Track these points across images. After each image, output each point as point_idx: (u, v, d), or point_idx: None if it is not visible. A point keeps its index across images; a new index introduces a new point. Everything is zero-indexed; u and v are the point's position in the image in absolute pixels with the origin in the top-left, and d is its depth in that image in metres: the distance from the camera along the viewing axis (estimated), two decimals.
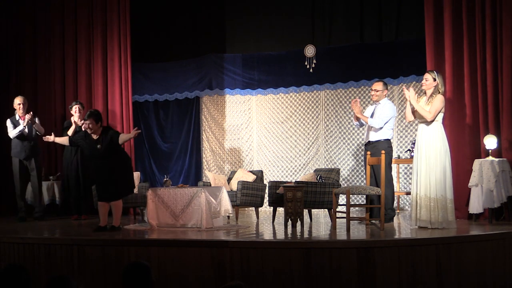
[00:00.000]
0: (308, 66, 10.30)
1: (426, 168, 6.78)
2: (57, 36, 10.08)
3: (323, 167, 10.02)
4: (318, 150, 10.42)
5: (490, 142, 7.53)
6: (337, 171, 8.37)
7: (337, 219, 7.34)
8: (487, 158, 7.47)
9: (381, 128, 7.56)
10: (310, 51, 10.32)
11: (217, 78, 10.95)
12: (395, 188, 8.15)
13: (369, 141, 7.71)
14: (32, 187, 8.93)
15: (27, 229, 7.75)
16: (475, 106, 7.85)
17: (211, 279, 5.89)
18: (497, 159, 7.42)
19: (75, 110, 9.12)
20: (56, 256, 6.38)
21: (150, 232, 7.18)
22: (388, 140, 7.64)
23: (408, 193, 9.20)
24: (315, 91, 10.49)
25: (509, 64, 7.59)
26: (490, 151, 7.53)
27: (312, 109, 10.51)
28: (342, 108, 10.21)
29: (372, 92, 7.83)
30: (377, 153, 7.40)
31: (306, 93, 10.56)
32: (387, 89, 7.90)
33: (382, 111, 7.63)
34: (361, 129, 9.87)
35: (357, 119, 7.84)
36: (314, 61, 10.28)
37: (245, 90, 10.87)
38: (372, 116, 7.73)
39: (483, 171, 7.37)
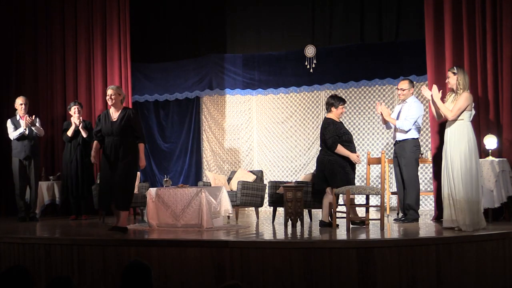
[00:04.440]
0: (308, 66, 10.30)
1: (450, 169, 6.63)
2: (57, 36, 10.09)
3: None
4: (318, 150, 10.41)
5: (490, 142, 7.53)
6: None
7: (337, 219, 7.34)
8: (487, 158, 7.46)
9: (410, 129, 7.57)
10: (310, 51, 10.32)
11: (218, 78, 10.95)
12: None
13: (396, 141, 7.72)
14: (29, 187, 8.92)
15: (27, 229, 7.75)
16: (475, 106, 7.83)
17: (211, 279, 5.89)
18: (497, 159, 7.41)
19: (74, 110, 9.13)
20: (56, 256, 6.38)
21: (150, 232, 7.17)
22: (415, 139, 7.64)
23: None
24: (315, 91, 10.49)
25: (509, 64, 7.58)
26: (490, 151, 7.52)
27: (313, 109, 10.51)
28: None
29: (399, 92, 7.82)
30: (403, 152, 7.50)
31: (306, 93, 10.57)
32: (413, 87, 7.87)
33: (409, 111, 7.61)
34: (362, 129, 9.90)
35: (385, 121, 7.84)
36: (314, 61, 10.28)
37: (246, 90, 10.88)
38: (398, 116, 7.72)
39: (483, 171, 7.36)
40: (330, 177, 7.34)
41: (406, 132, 7.58)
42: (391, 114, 7.90)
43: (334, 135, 7.32)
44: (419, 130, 7.76)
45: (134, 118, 7.19)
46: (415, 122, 7.59)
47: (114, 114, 7.18)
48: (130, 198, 7.19)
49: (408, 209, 7.55)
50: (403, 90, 7.72)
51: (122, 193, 6.97)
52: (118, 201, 7.00)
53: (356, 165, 7.55)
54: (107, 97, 7.23)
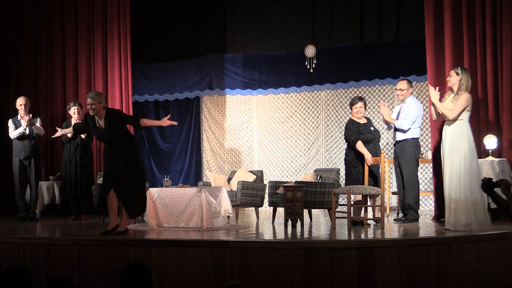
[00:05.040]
0: (308, 66, 10.31)
1: (450, 169, 6.62)
2: (57, 36, 10.09)
3: (323, 167, 10.02)
4: (318, 150, 10.42)
5: (490, 142, 7.53)
6: (337, 171, 8.38)
7: (337, 219, 7.34)
8: (487, 158, 7.46)
9: (409, 129, 7.58)
10: (310, 51, 10.33)
11: (218, 78, 10.96)
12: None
13: (396, 141, 7.73)
14: (29, 187, 8.92)
15: (27, 229, 7.76)
16: (475, 106, 7.82)
17: (211, 279, 5.89)
18: (497, 159, 7.41)
19: (74, 110, 9.14)
20: (56, 256, 6.38)
21: (150, 232, 7.17)
22: (415, 139, 7.64)
23: None
24: (315, 91, 10.50)
25: (509, 64, 7.58)
26: (490, 151, 7.53)
27: (313, 109, 10.51)
28: (342, 108, 10.22)
29: (397, 92, 7.82)
30: (403, 152, 7.51)
31: (306, 93, 10.57)
32: (412, 87, 7.88)
33: (408, 111, 7.61)
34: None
35: (386, 122, 7.86)
36: (315, 61, 10.29)
37: (246, 90, 10.89)
38: (398, 116, 7.72)
39: (483, 171, 7.36)
40: (345, 176, 7.65)
41: (405, 131, 7.58)
42: (391, 114, 7.91)
43: (354, 134, 7.60)
44: (419, 129, 7.75)
45: (117, 119, 6.74)
46: (414, 121, 7.59)
47: (100, 120, 6.75)
48: (142, 203, 7.00)
49: (408, 209, 7.55)
50: (402, 90, 7.72)
51: (133, 201, 6.81)
52: (129, 209, 6.82)
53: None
54: (88, 107, 6.69)
